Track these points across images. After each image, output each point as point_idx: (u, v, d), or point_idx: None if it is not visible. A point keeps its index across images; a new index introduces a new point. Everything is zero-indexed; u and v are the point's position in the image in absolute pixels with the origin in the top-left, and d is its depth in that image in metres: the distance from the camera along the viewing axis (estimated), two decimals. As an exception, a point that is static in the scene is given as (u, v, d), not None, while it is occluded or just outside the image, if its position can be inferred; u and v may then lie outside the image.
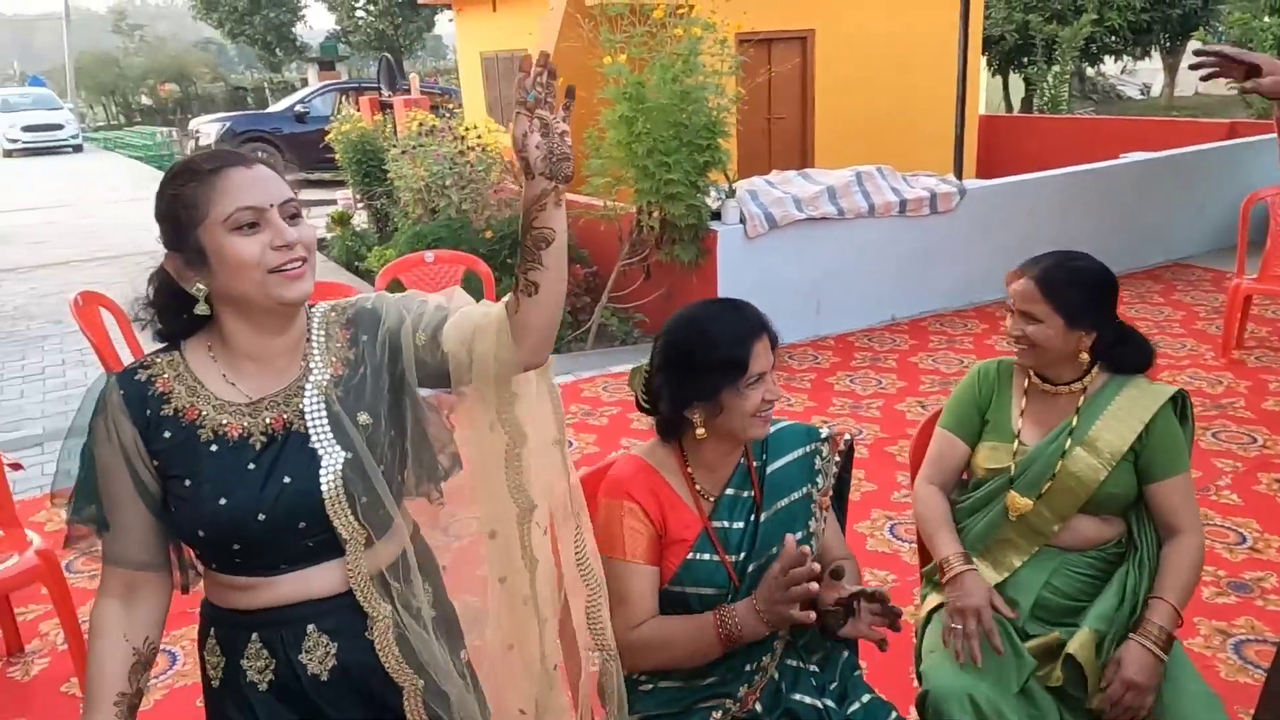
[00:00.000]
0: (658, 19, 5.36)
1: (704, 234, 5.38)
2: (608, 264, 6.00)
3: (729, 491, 1.64)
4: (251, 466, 1.23)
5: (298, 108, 16.54)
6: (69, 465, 1.28)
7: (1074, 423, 1.84)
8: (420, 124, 7.65)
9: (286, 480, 1.23)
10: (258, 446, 1.24)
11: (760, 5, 6.81)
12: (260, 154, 1.29)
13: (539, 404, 1.36)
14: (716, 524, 1.62)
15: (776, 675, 1.64)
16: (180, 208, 1.21)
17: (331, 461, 1.24)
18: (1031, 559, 1.85)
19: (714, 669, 1.60)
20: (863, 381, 4.94)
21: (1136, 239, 6.82)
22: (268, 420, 1.25)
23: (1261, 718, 1.69)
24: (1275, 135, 1.73)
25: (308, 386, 1.28)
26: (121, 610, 1.29)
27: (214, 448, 1.23)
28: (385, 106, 10.46)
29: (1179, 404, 1.84)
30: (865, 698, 1.64)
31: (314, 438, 1.25)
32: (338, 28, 29.16)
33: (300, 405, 1.27)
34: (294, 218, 1.24)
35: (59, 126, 24.96)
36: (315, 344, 1.31)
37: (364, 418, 1.28)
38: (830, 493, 1.68)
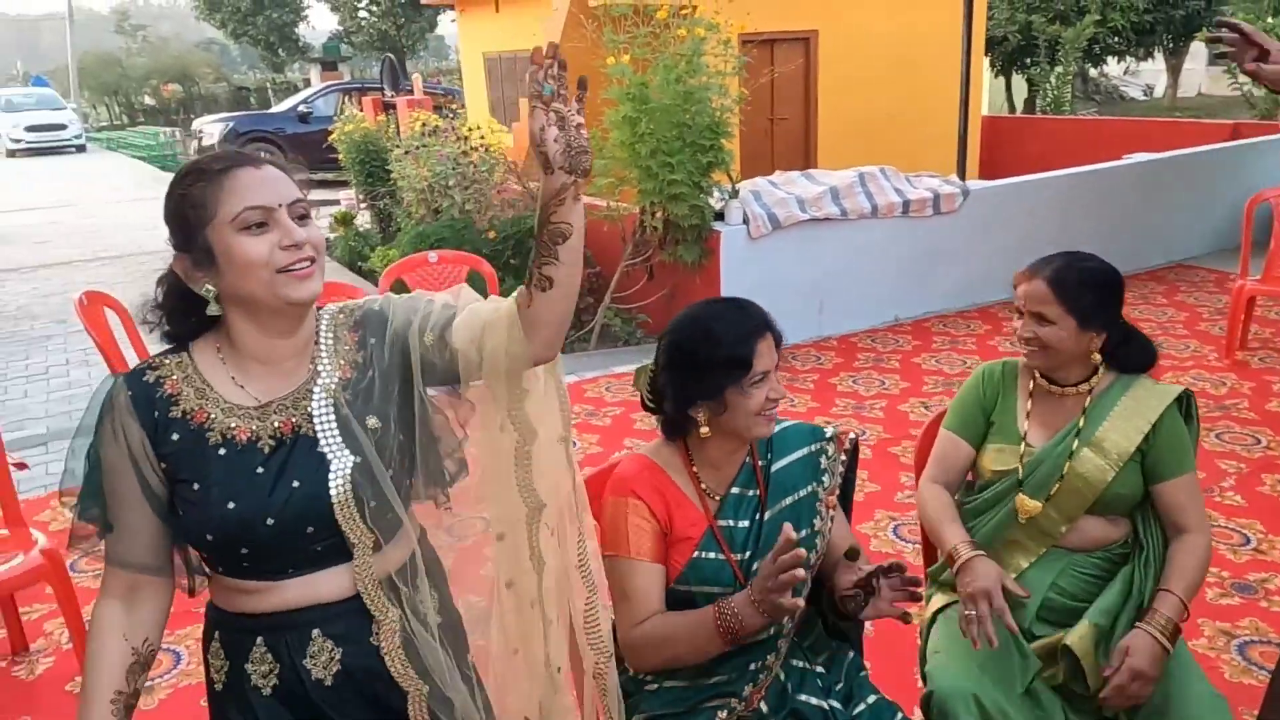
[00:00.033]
0: (661, 19, 5.36)
1: (707, 234, 5.39)
2: (611, 264, 6.00)
3: (734, 490, 1.64)
4: (260, 470, 1.23)
5: (301, 108, 16.56)
6: (75, 465, 1.27)
7: (1081, 423, 1.84)
8: (423, 124, 7.66)
9: (295, 484, 1.22)
10: (266, 450, 1.24)
11: (763, 6, 6.81)
12: (269, 155, 1.28)
13: (547, 400, 1.35)
14: (722, 522, 1.62)
15: (783, 676, 1.64)
16: (188, 207, 1.21)
17: (340, 465, 1.24)
18: (1039, 560, 1.85)
19: (719, 668, 1.60)
20: (866, 382, 4.94)
21: (1140, 240, 6.81)
22: (276, 424, 1.25)
23: (1266, 719, 1.69)
24: None
25: (316, 390, 1.27)
26: (122, 611, 1.28)
27: (222, 451, 1.23)
28: (388, 107, 10.47)
29: (1184, 403, 1.85)
30: (871, 698, 1.64)
31: (322, 441, 1.25)
32: (340, 28, 29.20)
33: (309, 409, 1.26)
34: (303, 218, 1.23)
35: (62, 127, 25.01)
36: (324, 347, 1.31)
37: (373, 421, 1.28)
38: (837, 492, 1.68)
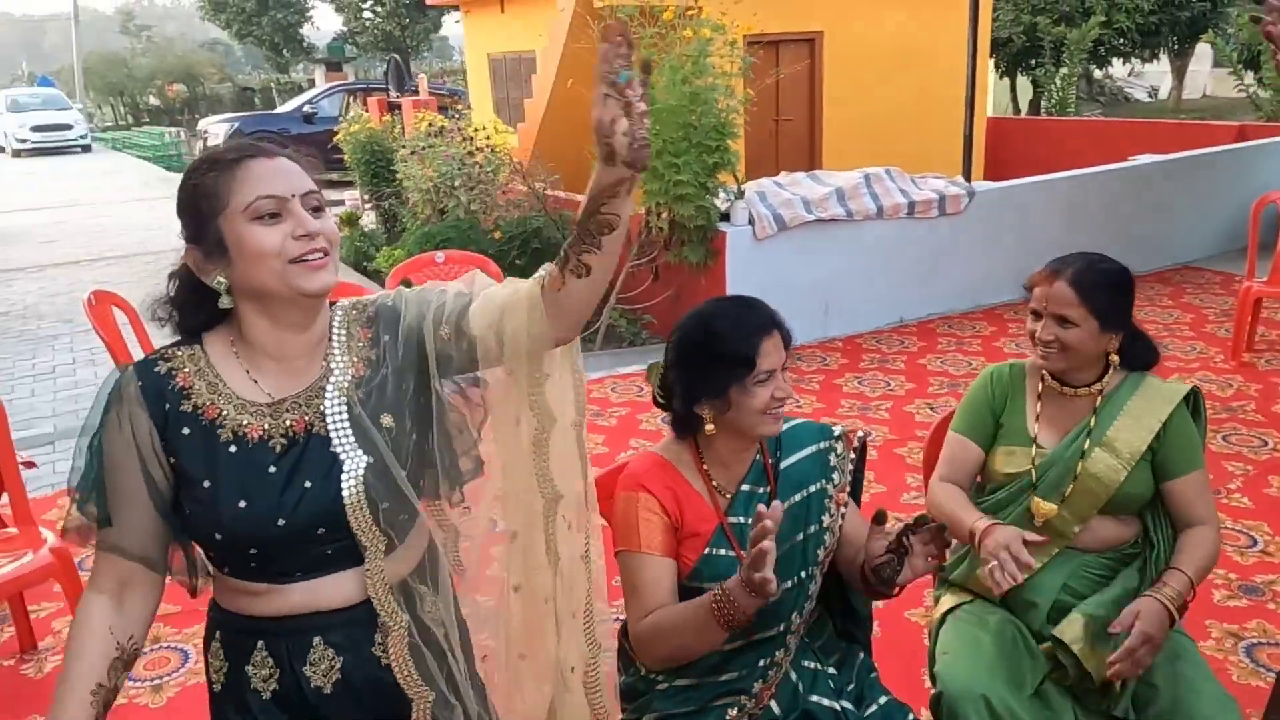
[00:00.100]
0: (667, 20, 5.38)
1: (713, 235, 5.39)
2: (616, 265, 6.00)
3: (745, 487, 1.65)
4: (272, 470, 1.20)
5: (305, 108, 16.57)
6: (82, 462, 1.24)
7: (1092, 424, 1.84)
8: (429, 125, 7.67)
9: (307, 485, 1.20)
10: (278, 449, 1.21)
11: (769, 7, 6.81)
12: (283, 147, 1.25)
13: (566, 383, 1.32)
14: (733, 519, 1.63)
15: (794, 676, 1.65)
16: (201, 197, 1.18)
17: (353, 466, 1.21)
18: (1051, 561, 1.85)
19: (729, 665, 1.60)
20: (871, 383, 4.94)
21: (1145, 242, 6.80)
22: (289, 422, 1.22)
23: (1273, 721, 1.69)
24: None
25: (329, 388, 1.24)
26: (111, 606, 1.24)
27: (233, 449, 1.20)
28: (393, 107, 10.49)
29: (1191, 401, 1.85)
30: (882, 699, 1.65)
31: (335, 441, 1.22)
32: (345, 29, 29.22)
33: (321, 407, 1.23)
34: (317, 210, 1.21)
35: (68, 127, 25.04)
36: (336, 343, 1.28)
37: (387, 420, 1.25)
38: (847, 489, 1.68)
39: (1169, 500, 1.83)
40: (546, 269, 1.23)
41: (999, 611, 1.86)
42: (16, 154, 23.95)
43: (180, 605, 2.95)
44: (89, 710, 1.20)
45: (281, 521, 1.19)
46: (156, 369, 1.23)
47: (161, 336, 1.30)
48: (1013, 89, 17.54)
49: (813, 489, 1.65)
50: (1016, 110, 17.35)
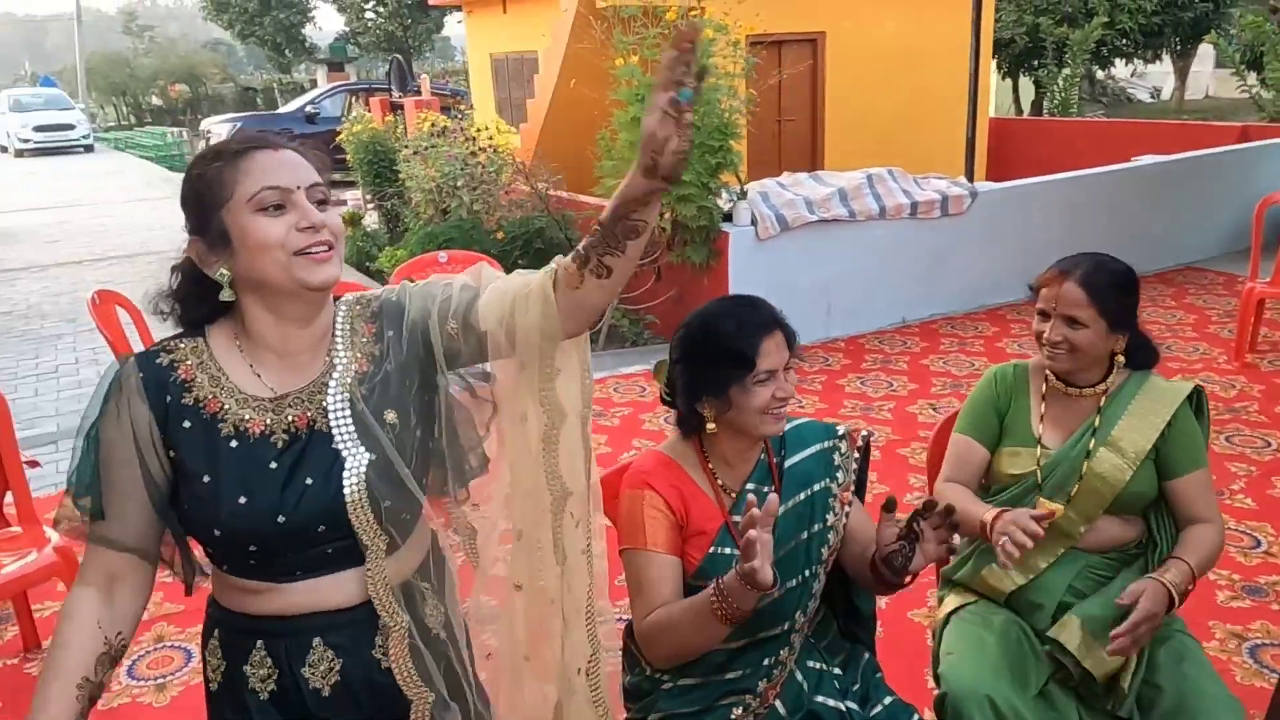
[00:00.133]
0: (670, 20, 5.37)
1: (715, 235, 5.39)
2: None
3: (749, 487, 1.65)
4: (273, 465, 1.18)
5: (308, 109, 16.57)
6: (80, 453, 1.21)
7: (1096, 423, 1.84)
8: (431, 125, 7.67)
9: (308, 482, 1.18)
10: (279, 445, 1.19)
11: (771, 8, 6.81)
12: (289, 141, 1.24)
13: (575, 377, 1.32)
14: (737, 518, 1.62)
15: (799, 676, 1.65)
16: (205, 188, 1.17)
17: (355, 463, 1.20)
18: (1056, 562, 1.85)
19: (733, 664, 1.60)
20: (874, 383, 4.94)
21: (1148, 242, 6.80)
22: (291, 417, 1.20)
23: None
24: None
25: (331, 383, 1.23)
26: (99, 600, 1.21)
27: (234, 444, 1.18)
28: (396, 107, 10.50)
29: (1194, 399, 1.86)
30: (887, 700, 1.65)
31: (338, 438, 1.21)
32: (347, 29, 29.23)
33: (324, 403, 1.21)
34: (322, 203, 1.20)
35: (70, 127, 25.05)
36: (340, 338, 1.27)
37: (391, 416, 1.23)
38: (852, 488, 1.68)
39: (1172, 499, 1.83)
40: (558, 262, 1.22)
41: (1003, 612, 1.86)
42: (19, 154, 23.97)
43: (183, 605, 2.95)
44: (74, 705, 1.17)
45: (281, 518, 1.17)
46: (158, 361, 1.22)
47: (163, 332, 1.29)
48: (1015, 90, 17.52)
49: (817, 488, 1.65)
50: (1019, 111, 17.34)
